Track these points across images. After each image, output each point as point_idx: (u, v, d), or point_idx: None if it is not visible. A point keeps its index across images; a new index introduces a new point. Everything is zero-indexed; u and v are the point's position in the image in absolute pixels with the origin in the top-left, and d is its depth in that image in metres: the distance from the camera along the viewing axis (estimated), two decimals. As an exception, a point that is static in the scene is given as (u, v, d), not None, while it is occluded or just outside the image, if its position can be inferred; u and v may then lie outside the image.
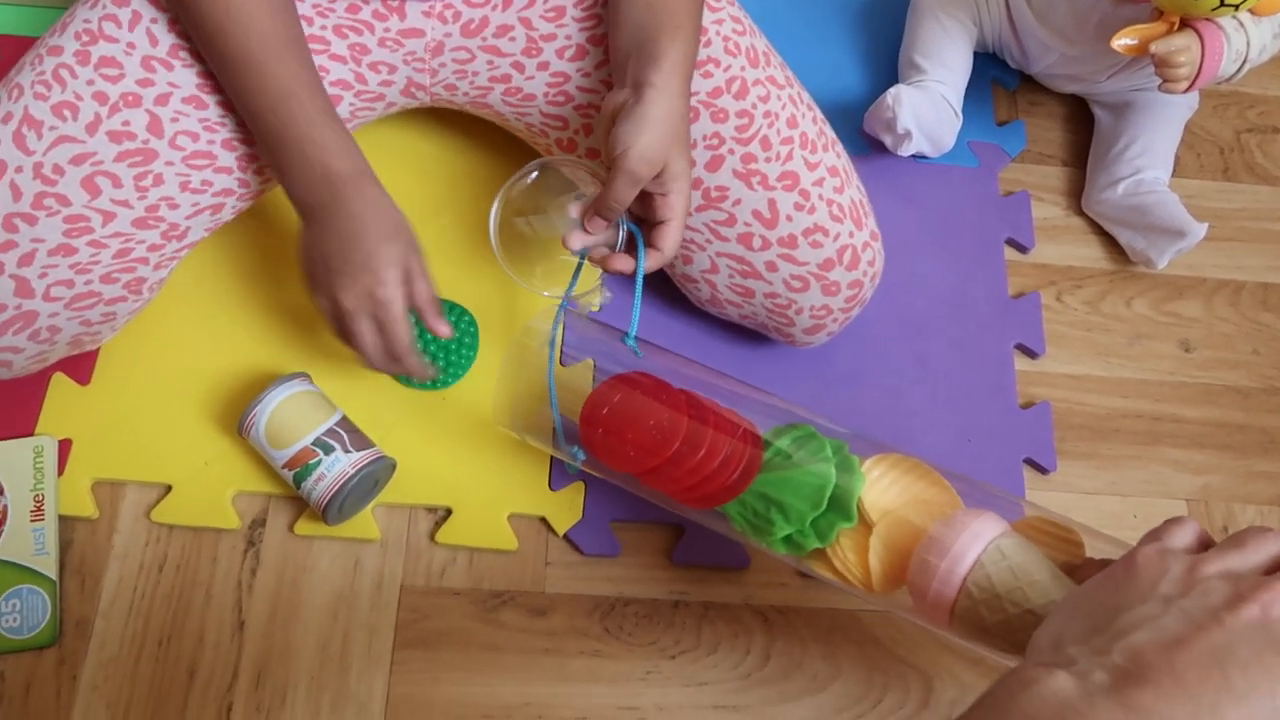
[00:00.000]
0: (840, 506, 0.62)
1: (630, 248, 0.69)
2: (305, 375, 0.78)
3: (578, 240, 0.68)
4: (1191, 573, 0.42)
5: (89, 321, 0.72)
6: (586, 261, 0.69)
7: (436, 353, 0.82)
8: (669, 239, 0.67)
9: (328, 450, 0.74)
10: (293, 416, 0.75)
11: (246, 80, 0.67)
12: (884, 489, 0.62)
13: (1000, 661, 0.79)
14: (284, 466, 0.75)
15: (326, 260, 0.68)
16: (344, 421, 0.76)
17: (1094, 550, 0.59)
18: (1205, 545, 0.46)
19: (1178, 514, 0.57)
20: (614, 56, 0.70)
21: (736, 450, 0.63)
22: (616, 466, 0.67)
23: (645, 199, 0.67)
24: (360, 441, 0.76)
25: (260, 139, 0.69)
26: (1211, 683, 0.37)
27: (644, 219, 0.68)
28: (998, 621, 0.56)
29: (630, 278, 0.67)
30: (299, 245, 0.70)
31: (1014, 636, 0.56)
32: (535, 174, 0.69)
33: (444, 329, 0.71)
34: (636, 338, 0.68)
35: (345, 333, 0.70)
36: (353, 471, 0.74)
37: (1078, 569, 0.56)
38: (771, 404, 0.67)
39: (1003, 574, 0.55)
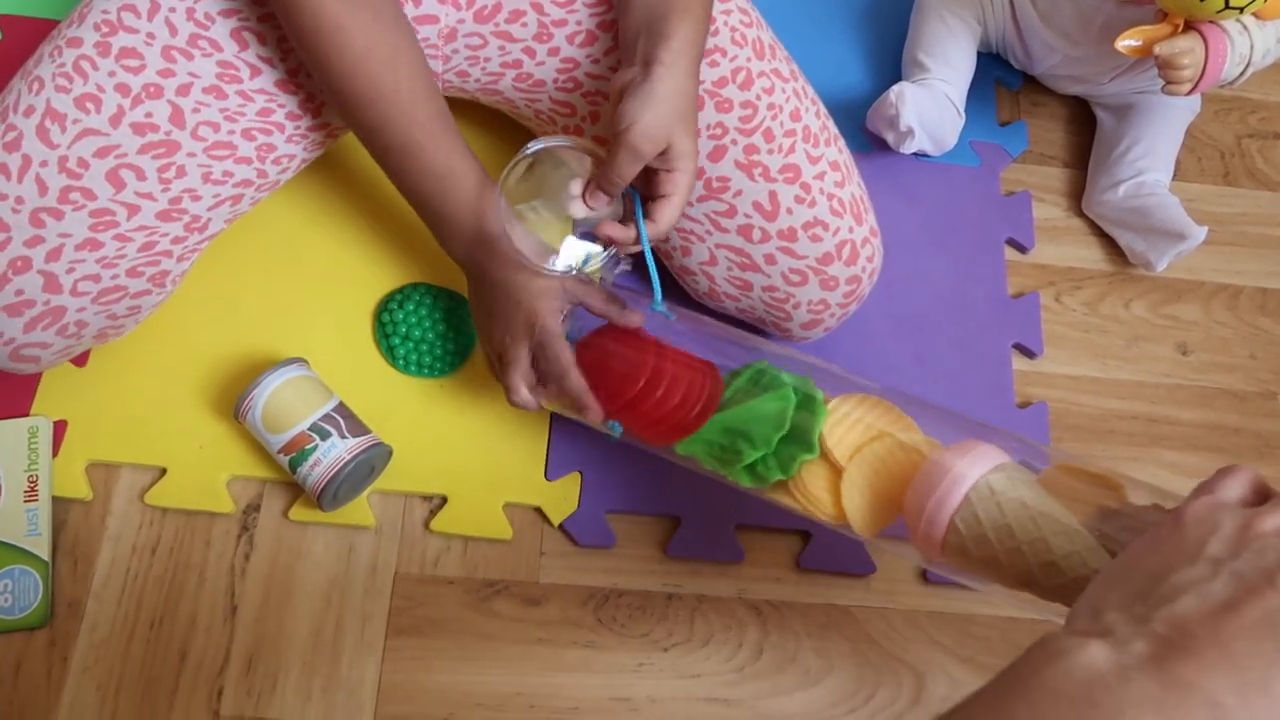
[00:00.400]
0: (801, 438, 0.63)
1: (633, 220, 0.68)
2: (303, 361, 0.78)
3: (579, 210, 0.67)
4: (1246, 530, 0.37)
5: (115, 315, 0.72)
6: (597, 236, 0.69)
7: (435, 340, 0.82)
8: (665, 213, 0.66)
9: (324, 436, 0.74)
10: (290, 401, 0.75)
11: (410, 163, 0.71)
12: (850, 425, 0.63)
13: (993, 661, 0.79)
14: (280, 451, 0.75)
15: (490, 309, 0.72)
16: (341, 408, 0.76)
17: (1139, 499, 0.57)
18: (1263, 496, 0.42)
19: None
20: (623, 37, 0.70)
21: (695, 387, 0.66)
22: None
23: (649, 175, 0.67)
24: (357, 428, 0.75)
25: (418, 209, 0.73)
26: (1263, 653, 0.33)
27: (645, 195, 0.68)
28: (986, 556, 0.55)
29: (621, 246, 0.68)
30: (469, 297, 0.75)
31: (1004, 571, 0.55)
32: (531, 157, 0.69)
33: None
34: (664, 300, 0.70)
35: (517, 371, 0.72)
36: (349, 457, 0.73)
37: (1116, 514, 0.54)
38: (790, 356, 0.68)
39: (990, 510, 0.55)
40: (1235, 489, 0.42)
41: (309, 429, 0.74)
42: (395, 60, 0.68)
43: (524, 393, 0.71)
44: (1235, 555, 0.37)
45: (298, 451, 0.74)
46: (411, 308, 0.82)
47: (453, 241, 0.73)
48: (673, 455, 0.70)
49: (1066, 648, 0.35)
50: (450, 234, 0.72)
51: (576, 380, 0.69)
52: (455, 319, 0.83)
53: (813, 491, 0.63)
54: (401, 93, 0.68)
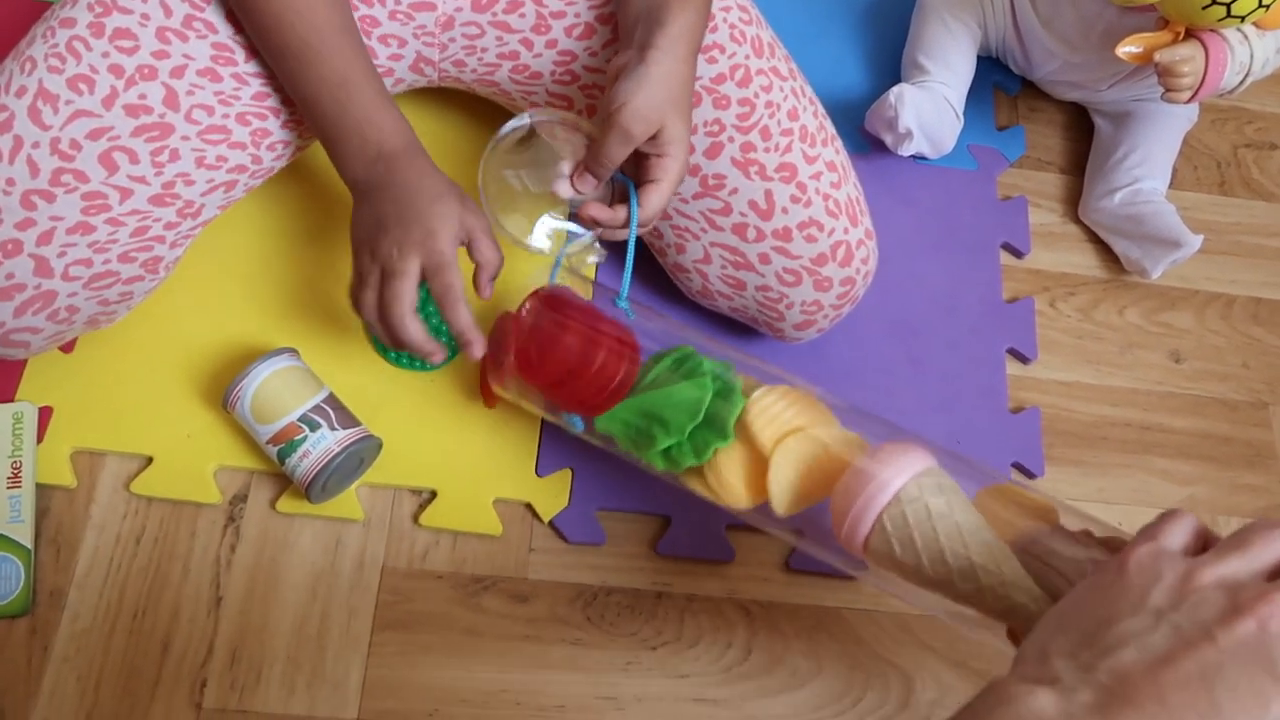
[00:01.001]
0: (717, 426, 0.63)
1: (622, 206, 0.67)
2: (293, 351, 0.77)
3: (566, 191, 0.66)
4: (1186, 581, 0.39)
5: (107, 301, 0.71)
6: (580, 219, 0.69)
7: (441, 329, 0.82)
8: (652, 199, 0.66)
9: (313, 427, 0.73)
10: (279, 392, 0.74)
11: (304, 69, 0.67)
12: (773, 417, 0.63)
13: (983, 666, 0.79)
14: (268, 442, 0.74)
15: (380, 221, 0.67)
16: (331, 399, 0.75)
17: (1071, 525, 0.58)
18: (1205, 542, 0.43)
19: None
20: (623, 24, 0.70)
21: (612, 363, 0.66)
22: (503, 380, 0.71)
23: (640, 159, 0.66)
24: (347, 419, 0.75)
25: (315, 123, 0.69)
26: (1198, 707, 0.35)
27: (636, 181, 0.67)
28: (909, 560, 0.57)
29: (610, 231, 0.67)
30: (352, 220, 0.70)
31: (923, 575, 0.57)
32: (526, 127, 0.68)
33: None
34: (629, 299, 0.69)
35: (384, 289, 0.66)
36: (338, 449, 0.73)
37: (1048, 537, 0.55)
38: (759, 368, 0.68)
39: (917, 512, 0.56)
40: (1178, 536, 0.42)
41: (298, 420, 0.73)
42: None
43: (407, 309, 0.65)
44: (1175, 607, 0.38)
45: (286, 442, 0.73)
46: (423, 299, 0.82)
47: (347, 156, 0.69)
48: (594, 435, 0.70)
49: (1016, 694, 0.37)
50: (345, 148, 0.68)
51: (464, 315, 0.65)
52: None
53: (727, 479, 0.64)
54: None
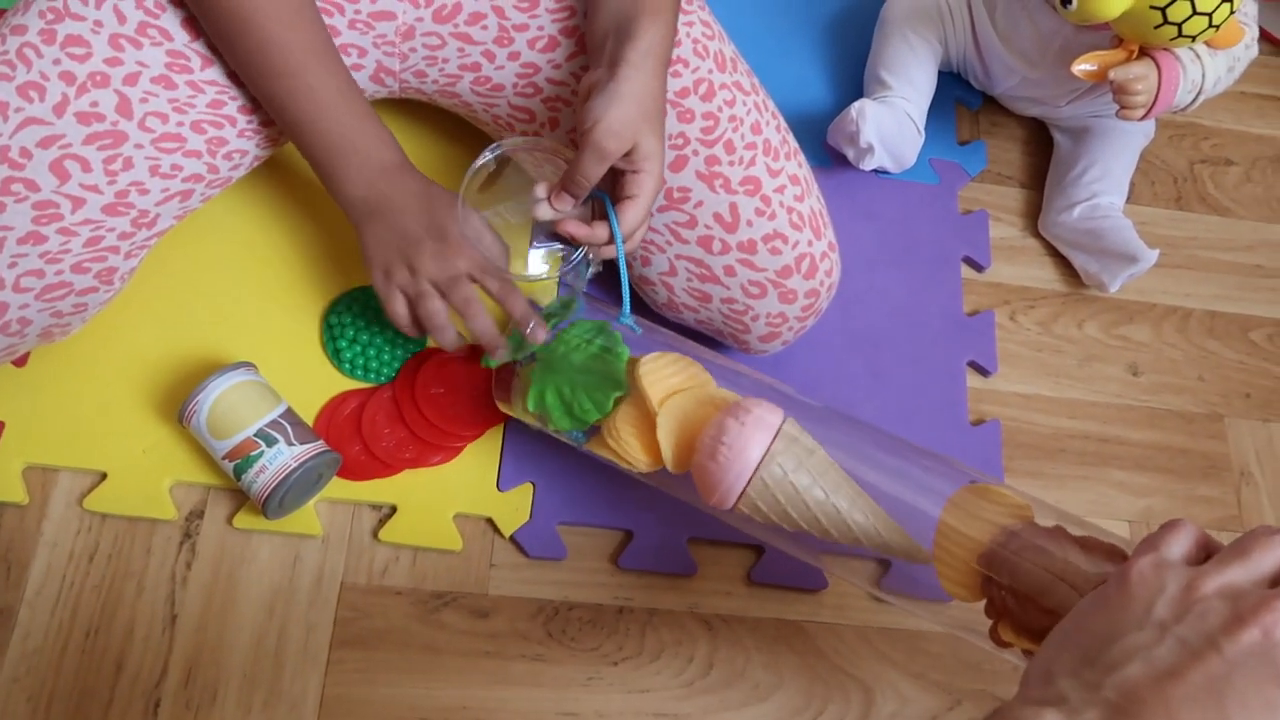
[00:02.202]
0: (610, 377, 0.67)
1: (601, 223, 0.68)
2: (250, 365, 0.76)
3: (546, 212, 0.67)
4: (1189, 591, 0.38)
5: (60, 313, 0.70)
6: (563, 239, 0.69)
7: (382, 345, 0.81)
8: (629, 214, 0.66)
9: (270, 442, 0.72)
10: (236, 406, 0.73)
11: (299, 89, 0.68)
12: (660, 379, 0.66)
13: (942, 678, 0.79)
14: (224, 457, 0.73)
15: (404, 235, 0.70)
16: (288, 413, 0.75)
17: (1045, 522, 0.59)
18: (1206, 551, 0.42)
19: (1119, 535, 0.57)
20: (591, 40, 0.70)
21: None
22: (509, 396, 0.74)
23: (615, 176, 0.66)
24: (304, 435, 0.74)
25: (311, 143, 0.70)
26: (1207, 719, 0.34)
27: (613, 198, 0.67)
28: (777, 521, 0.62)
29: (584, 244, 0.67)
30: (365, 241, 0.71)
31: (790, 521, 0.62)
32: (491, 162, 0.68)
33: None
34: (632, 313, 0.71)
35: (422, 306, 0.70)
36: (294, 465, 0.72)
37: (1019, 534, 0.56)
38: (745, 375, 0.70)
39: (785, 489, 0.61)
40: (1179, 545, 0.42)
41: (254, 435, 0.72)
42: None
43: (480, 310, 0.70)
44: (1179, 619, 0.37)
45: (243, 458, 0.72)
46: (359, 310, 0.81)
47: (353, 177, 0.70)
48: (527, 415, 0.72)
49: (1023, 717, 0.36)
50: (349, 168, 0.70)
51: (488, 323, 0.70)
52: None
53: (625, 439, 0.67)
54: (285, 16, 0.67)
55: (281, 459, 0.72)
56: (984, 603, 0.59)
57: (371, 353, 0.81)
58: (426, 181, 0.72)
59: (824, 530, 0.62)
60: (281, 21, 0.67)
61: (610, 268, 0.70)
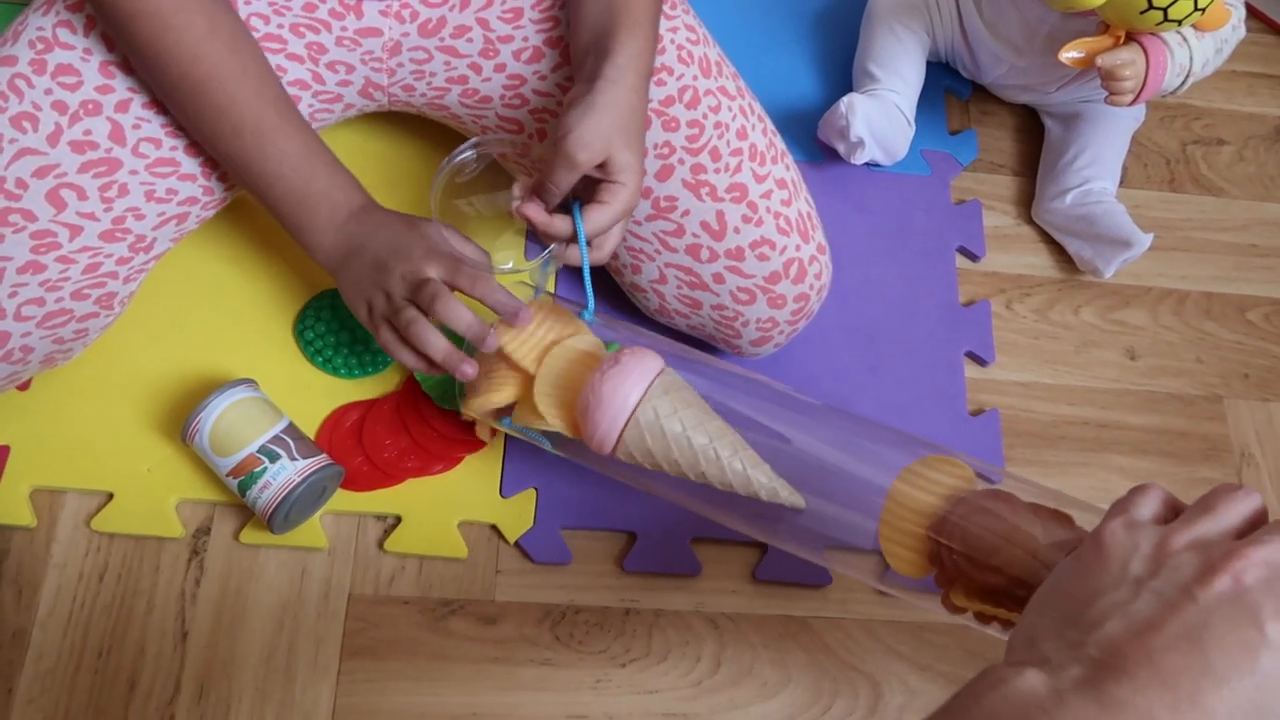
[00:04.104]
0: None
1: (562, 216, 0.68)
2: (251, 381, 0.77)
3: (518, 213, 0.66)
4: (1161, 548, 0.39)
5: (62, 339, 0.71)
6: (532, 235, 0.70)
7: (359, 336, 0.82)
8: (593, 217, 0.65)
9: (273, 458, 0.73)
10: (238, 423, 0.74)
11: (265, 147, 0.68)
12: (526, 336, 0.68)
13: (949, 669, 0.79)
14: (228, 474, 0.74)
15: (378, 265, 0.68)
16: (290, 428, 0.75)
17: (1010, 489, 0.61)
18: (1174, 510, 0.43)
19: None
20: (574, 56, 0.71)
21: None
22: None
23: (591, 184, 0.66)
24: (307, 449, 0.75)
25: (276, 199, 0.70)
26: (1190, 667, 0.35)
27: (584, 203, 0.67)
28: (643, 454, 0.64)
29: (545, 236, 0.67)
30: (341, 287, 0.71)
31: (673, 466, 0.64)
32: (472, 155, 0.69)
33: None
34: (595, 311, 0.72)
35: (403, 326, 0.69)
36: (299, 480, 0.73)
37: (966, 499, 0.58)
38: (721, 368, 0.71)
39: (656, 436, 0.63)
40: (1148, 507, 0.43)
41: (258, 451, 0.73)
42: (237, 42, 0.67)
43: (425, 328, 0.68)
44: (1154, 574, 0.38)
45: (247, 474, 0.73)
46: (328, 314, 0.82)
47: (322, 227, 0.70)
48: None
49: (1005, 676, 0.37)
50: (318, 219, 0.69)
51: (465, 314, 0.67)
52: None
53: (482, 390, 0.69)
54: (248, 73, 0.67)
55: (285, 474, 0.73)
56: (934, 573, 0.60)
57: (360, 347, 0.81)
58: (391, 214, 0.71)
59: (701, 474, 0.64)
60: (238, 82, 0.66)
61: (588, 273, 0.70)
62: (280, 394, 0.79)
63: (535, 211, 0.65)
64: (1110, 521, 0.42)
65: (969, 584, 0.58)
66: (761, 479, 0.64)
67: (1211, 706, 0.34)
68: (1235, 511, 0.41)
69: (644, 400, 0.63)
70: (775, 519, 0.67)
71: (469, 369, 0.67)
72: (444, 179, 0.68)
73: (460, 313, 0.67)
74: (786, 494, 0.64)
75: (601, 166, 0.65)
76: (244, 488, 0.73)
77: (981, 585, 0.57)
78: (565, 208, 0.67)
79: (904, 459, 0.63)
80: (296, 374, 0.82)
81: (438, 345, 0.68)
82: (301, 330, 0.82)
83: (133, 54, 0.67)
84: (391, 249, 0.68)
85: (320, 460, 0.75)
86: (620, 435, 0.64)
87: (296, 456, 0.74)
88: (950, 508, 0.59)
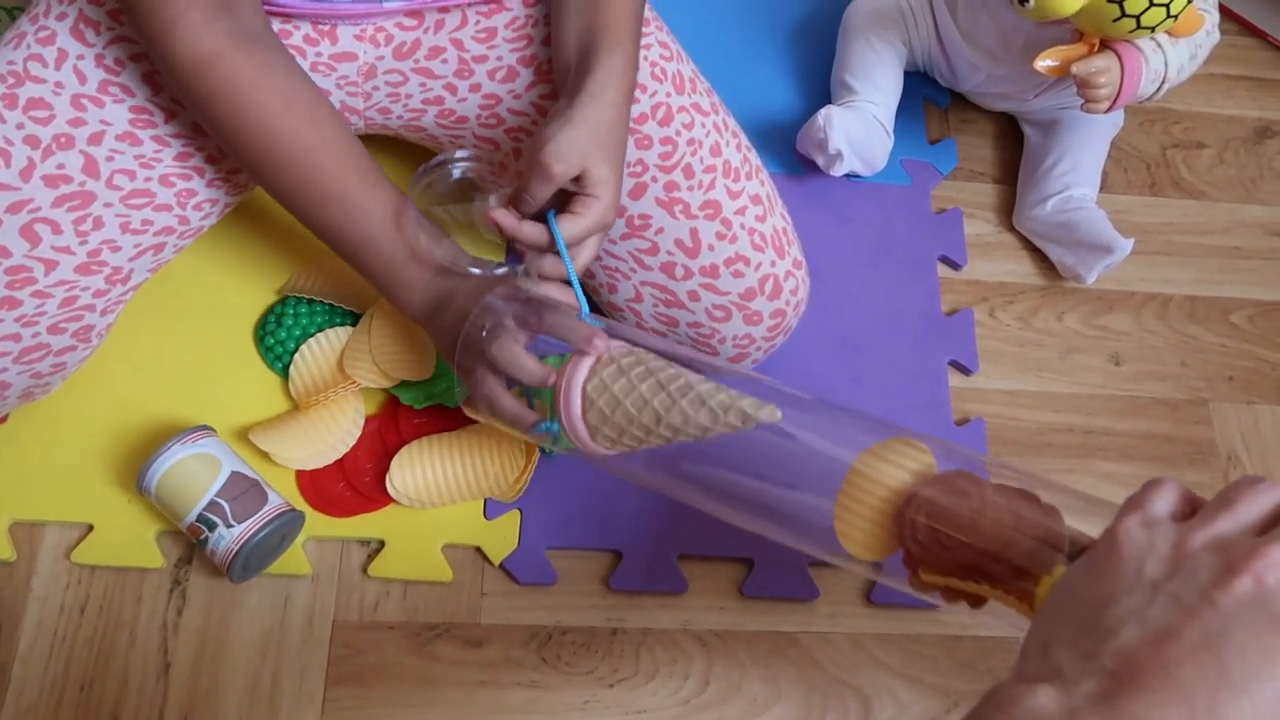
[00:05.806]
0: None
1: (533, 223, 0.67)
2: (201, 429, 0.75)
3: (493, 223, 0.66)
4: (1179, 548, 0.37)
5: (39, 374, 0.70)
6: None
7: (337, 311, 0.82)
8: (566, 227, 0.65)
9: (210, 526, 0.72)
10: (176, 490, 0.72)
11: (353, 212, 0.67)
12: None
13: (939, 680, 0.79)
14: (187, 532, 0.74)
15: (466, 314, 0.67)
16: (228, 486, 0.73)
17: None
18: (1192, 506, 0.41)
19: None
20: (557, 75, 0.71)
21: None
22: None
23: (566, 198, 0.66)
24: (246, 507, 0.72)
25: (368, 263, 0.69)
26: (1208, 678, 0.33)
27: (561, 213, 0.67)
28: (615, 423, 0.62)
29: (513, 240, 0.66)
30: (434, 336, 0.70)
31: (638, 422, 0.62)
32: (449, 168, 0.69)
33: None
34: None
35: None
36: (236, 548, 0.71)
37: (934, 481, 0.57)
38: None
39: (595, 386, 0.62)
40: (1164, 502, 0.41)
41: (196, 520, 0.72)
42: (315, 112, 0.66)
43: (500, 391, 0.66)
44: (1171, 576, 0.36)
45: (197, 538, 0.73)
46: (290, 321, 0.82)
47: (413, 284, 0.69)
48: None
49: (1016, 695, 0.35)
50: (409, 277, 0.69)
51: (532, 366, 0.65)
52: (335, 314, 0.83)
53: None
54: (329, 144, 0.66)
55: (224, 543, 0.71)
56: (901, 554, 0.59)
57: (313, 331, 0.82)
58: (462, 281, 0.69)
59: (671, 427, 0.62)
60: (319, 154, 0.66)
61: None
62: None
63: (505, 217, 0.65)
64: (1125, 519, 0.40)
65: (938, 561, 0.57)
66: (721, 398, 0.61)
67: (1230, 718, 0.33)
68: (1256, 506, 0.39)
69: (590, 377, 0.63)
70: (787, 515, 0.65)
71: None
72: (418, 188, 0.68)
73: (567, 322, 0.65)
74: (753, 408, 0.61)
75: (578, 180, 0.65)
76: (201, 547, 0.73)
77: (952, 561, 0.56)
78: (542, 219, 0.67)
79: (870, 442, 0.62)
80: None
81: (533, 368, 0.66)
82: (262, 337, 0.82)
83: (216, 135, 0.67)
84: (478, 297, 0.67)
85: (263, 517, 0.72)
86: (585, 421, 0.63)
87: (233, 522, 0.71)
88: (919, 485, 0.58)
